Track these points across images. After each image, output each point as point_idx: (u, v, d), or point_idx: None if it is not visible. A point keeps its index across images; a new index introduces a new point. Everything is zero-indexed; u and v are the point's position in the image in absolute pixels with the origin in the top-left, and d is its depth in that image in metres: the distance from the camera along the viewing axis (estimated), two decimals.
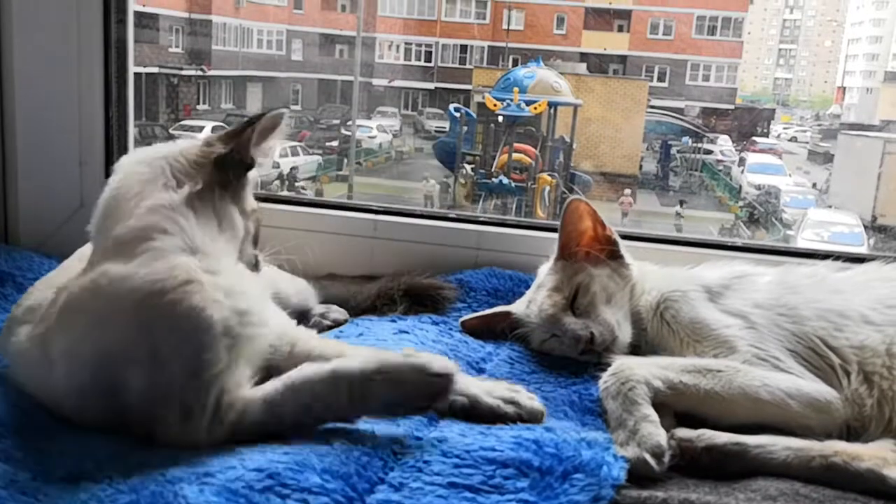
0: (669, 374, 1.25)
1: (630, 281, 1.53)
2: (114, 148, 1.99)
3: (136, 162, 1.26)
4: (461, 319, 1.65)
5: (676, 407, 1.24)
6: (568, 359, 1.47)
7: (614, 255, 1.55)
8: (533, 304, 1.55)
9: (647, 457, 1.12)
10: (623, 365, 1.27)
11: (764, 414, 1.23)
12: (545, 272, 1.59)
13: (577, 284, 1.50)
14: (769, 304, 1.40)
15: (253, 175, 1.32)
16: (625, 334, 1.46)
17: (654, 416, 1.19)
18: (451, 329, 1.62)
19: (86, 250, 1.30)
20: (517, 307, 1.61)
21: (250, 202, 1.33)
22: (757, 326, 1.37)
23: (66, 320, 1.16)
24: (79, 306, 1.15)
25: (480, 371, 1.45)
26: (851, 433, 1.24)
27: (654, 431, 1.16)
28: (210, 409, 1.11)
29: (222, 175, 1.26)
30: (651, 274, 1.56)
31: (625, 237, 1.64)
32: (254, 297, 1.22)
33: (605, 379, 1.26)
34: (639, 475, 1.10)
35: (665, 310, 1.46)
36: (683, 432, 1.18)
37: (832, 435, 1.22)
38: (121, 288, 1.11)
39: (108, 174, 1.94)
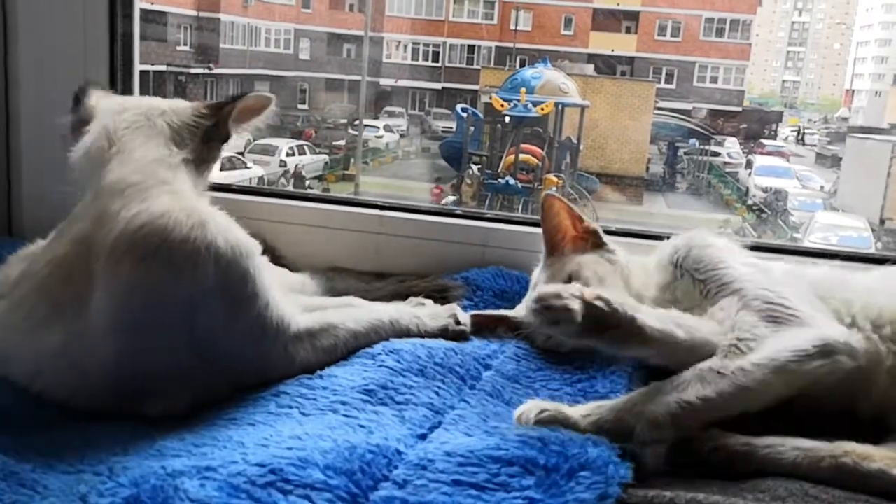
0: (685, 396, 1.16)
1: (618, 264, 1.52)
2: None
3: (127, 111, 1.31)
4: (471, 314, 1.64)
5: (703, 426, 1.18)
6: (573, 356, 1.45)
7: (597, 245, 1.55)
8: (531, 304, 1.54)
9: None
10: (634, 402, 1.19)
11: (788, 384, 1.17)
12: (537, 273, 1.59)
13: (568, 274, 1.49)
14: (783, 269, 1.40)
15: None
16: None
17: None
18: None
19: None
20: (517, 311, 1.60)
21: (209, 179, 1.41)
22: (769, 273, 1.36)
23: (112, 266, 1.16)
24: (128, 247, 1.16)
25: (487, 367, 1.44)
26: (875, 427, 1.22)
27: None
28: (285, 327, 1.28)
29: (204, 146, 1.34)
30: (635, 259, 1.55)
31: (626, 234, 1.65)
32: None
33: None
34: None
35: (685, 257, 1.43)
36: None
37: (860, 385, 1.21)
38: (163, 222, 1.16)
39: None
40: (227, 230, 1.22)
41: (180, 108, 1.35)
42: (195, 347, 1.20)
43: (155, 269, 1.15)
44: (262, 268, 1.26)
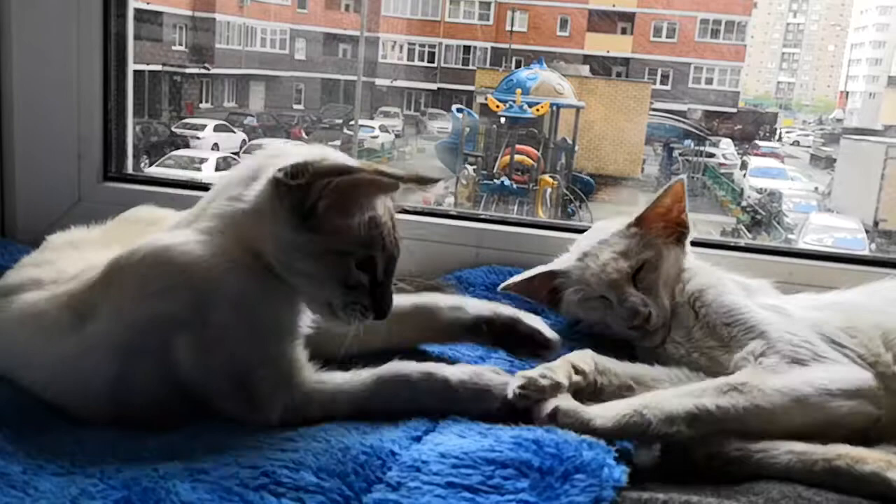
0: (704, 401, 1.18)
1: (683, 271, 1.51)
2: (112, 143, 1.98)
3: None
4: (502, 285, 1.62)
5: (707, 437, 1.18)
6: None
7: (679, 241, 1.54)
8: (591, 260, 1.50)
9: None
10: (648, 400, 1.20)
11: (805, 416, 1.19)
12: (612, 231, 1.54)
13: (646, 260, 1.47)
14: (801, 302, 1.41)
15: None
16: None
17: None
18: None
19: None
20: (562, 263, 1.57)
21: None
22: (788, 314, 1.36)
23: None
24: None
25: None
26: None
27: None
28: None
29: None
30: (701, 269, 1.54)
31: None
32: None
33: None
34: None
35: (697, 298, 1.44)
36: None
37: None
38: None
39: (105, 168, 1.97)
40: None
41: None
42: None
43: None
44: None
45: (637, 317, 1.42)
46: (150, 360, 1.14)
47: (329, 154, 1.18)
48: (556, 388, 1.19)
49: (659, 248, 1.49)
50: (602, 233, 1.56)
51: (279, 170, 1.11)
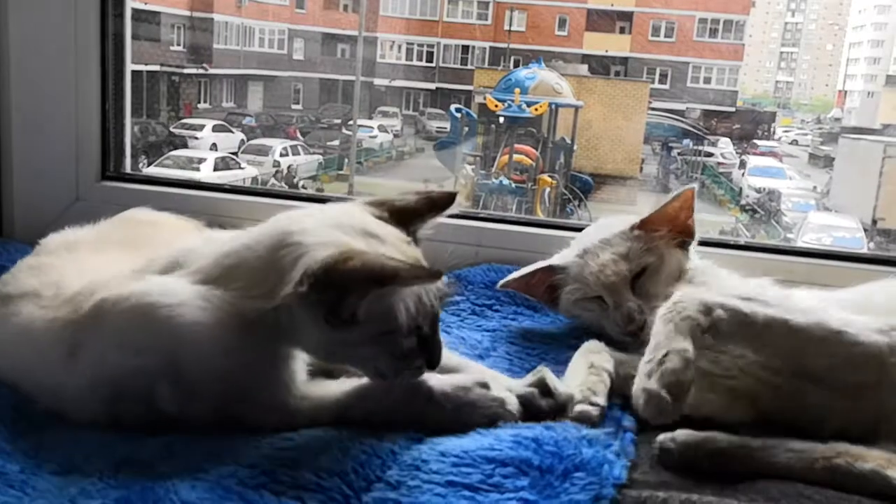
0: (736, 302, 1.17)
1: (685, 272, 1.49)
2: (110, 142, 1.97)
3: None
4: (501, 282, 1.60)
5: (741, 343, 1.19)
6: (568, 355, 1.43)
7: (683, 245, 1.52)
8: (590, 258, 1.48)
9: (663, 393, 1.09)
10: (686, 295, 1.20)
11: (825, 343, 1.18)
12: (616, 231, 1.51)
13: (647, 264, 1.45)
14: (805, 296, 1.39)
15: None
16: None
17: (690, 351, 1.13)
18: (448, 326, 1.60)
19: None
20: (562, 258, 1.54)
21: None
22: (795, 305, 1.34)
23: None
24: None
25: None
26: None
27: (679, 368, 1.11)
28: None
29: None
30: (702, 270, 1.52)
31: None
32: None
33: (666, 305, 1.20)
34: (652, 413, 1.09)
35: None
36: (685, 435, 1.17)
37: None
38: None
39: (104, 167, 1.97)
40: None
41: None
42: None
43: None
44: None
45: (632, 324, 1.40)
46: (135, 402, 1.11)
47: (357, 235, 1.10)
48: (603, 412, 1.18)
49: (661, 254, 1.47)
50: (605, 231, 1.53)
51: (308, 275, 1.02)
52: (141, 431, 1.11)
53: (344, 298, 1.03)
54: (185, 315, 1.07)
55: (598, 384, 1.24)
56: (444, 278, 1.10)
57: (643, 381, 1.11)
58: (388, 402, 1.15)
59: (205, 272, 1.12)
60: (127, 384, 1.10)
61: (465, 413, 1.14)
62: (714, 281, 1.46)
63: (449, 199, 1.24)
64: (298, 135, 15.21)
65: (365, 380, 1.16)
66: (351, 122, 15.33)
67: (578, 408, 1.19)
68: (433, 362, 1.14)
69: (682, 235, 1.52)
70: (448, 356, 1.22)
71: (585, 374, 1.27)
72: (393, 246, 1.12)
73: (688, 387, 1.11)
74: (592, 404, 1.19)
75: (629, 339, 1.41)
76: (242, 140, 14.27)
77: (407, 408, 1.14)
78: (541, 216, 9.78)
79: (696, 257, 1.54)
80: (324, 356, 1.16)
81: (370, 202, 1.21)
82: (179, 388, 1.09)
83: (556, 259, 1.56)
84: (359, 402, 1.15)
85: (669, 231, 1.50)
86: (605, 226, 1.55)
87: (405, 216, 1.20)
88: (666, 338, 1.15)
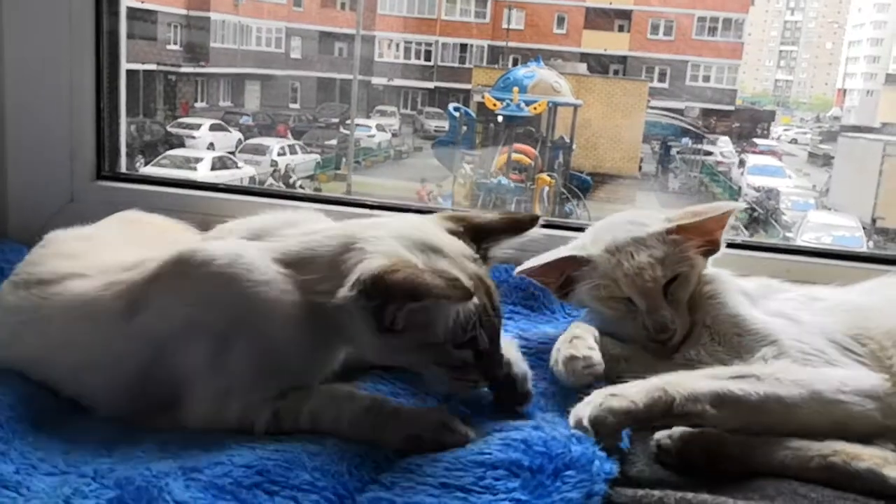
0: (724, 384, 1.17)
1: (697, 286, 1.46)
2: (105, 141, 1.96)
3: None
4: (518, 269, 1.54)
5: (725, 426, 1.17)
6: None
7: (707, 254, 1.49)
8: (624, 257, 1.43)
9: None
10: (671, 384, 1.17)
11: (821, 411, 1.18)
12: (650, 231, 1.45)
13: (679, 272, 1.42)
14: (804, 301, 1.40)
15: None
16: None
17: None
18: None
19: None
20: (584, 250, 1.47)
21: None
22: (798, 321, 1.34)
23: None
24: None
25: None
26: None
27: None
28: None
29: None
30: (713, 276, 1.50)
31: None
32: None
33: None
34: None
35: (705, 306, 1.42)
36: (682, 432, 1.16)
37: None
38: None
39: (99, 167, 1.96)
40: None
41: None
42: None
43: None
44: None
45: (664, 332, 1.38)
46: (175, 359, 1.14)
47: (417, 248, 1.13)
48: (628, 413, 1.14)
49: (692, 262, 1.44)
50: (637, 229, 1.47)
51: (359, 281, 1.07)
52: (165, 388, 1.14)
53: (385, 307, 1.08)
54: (267, 293, 1.12)
55: (585, 334, 1.31)
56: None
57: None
58: (348, 415, 1.13)
59: (285, 253, 1.17)
60: (181, 335, 1.13)
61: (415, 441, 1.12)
62: (717, 289, 1.45)
63: (531, 221, 1.28)
64: (289, 135, 15.18)
65: (336, 389, 1.17)
66: (348, 121, 15.34)
67: (598, 410, 1.14)
68: (491, 378, 1.17)
69: (709, 245, 1.49)
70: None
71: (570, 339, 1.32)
72: (453, 261, 1.14)
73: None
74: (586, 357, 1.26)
75: (653, 344, 1.40)
76: (240, 139, 14.28)
77: (363, 423, 1.13)
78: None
79: (709, 264, 1.53)
80: (373, 357, 1.22)
81: (448, 216, 1.25)
82: (229, 355, 1.12)
83: (579, 249, 1.49)
84: (326, 410, 1.14)
85: (698, 239, 1.47)
86: (636, 221, 1.50)
87: (481, 233, 1.25)
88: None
